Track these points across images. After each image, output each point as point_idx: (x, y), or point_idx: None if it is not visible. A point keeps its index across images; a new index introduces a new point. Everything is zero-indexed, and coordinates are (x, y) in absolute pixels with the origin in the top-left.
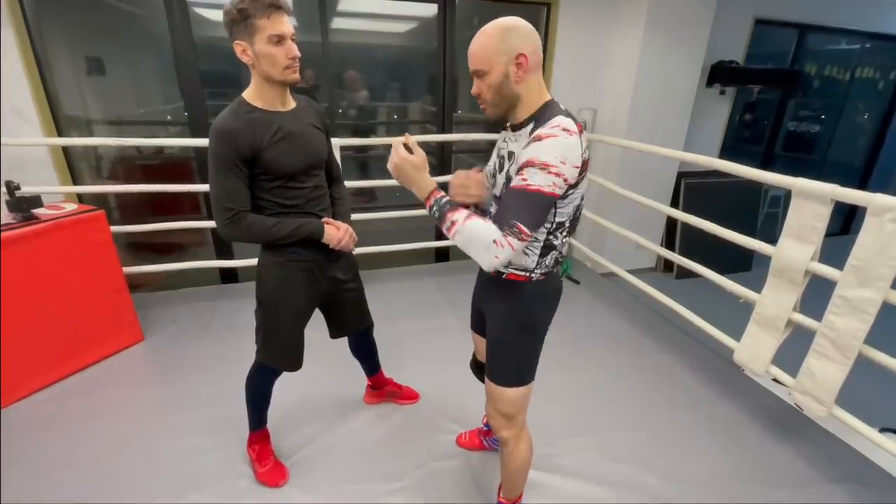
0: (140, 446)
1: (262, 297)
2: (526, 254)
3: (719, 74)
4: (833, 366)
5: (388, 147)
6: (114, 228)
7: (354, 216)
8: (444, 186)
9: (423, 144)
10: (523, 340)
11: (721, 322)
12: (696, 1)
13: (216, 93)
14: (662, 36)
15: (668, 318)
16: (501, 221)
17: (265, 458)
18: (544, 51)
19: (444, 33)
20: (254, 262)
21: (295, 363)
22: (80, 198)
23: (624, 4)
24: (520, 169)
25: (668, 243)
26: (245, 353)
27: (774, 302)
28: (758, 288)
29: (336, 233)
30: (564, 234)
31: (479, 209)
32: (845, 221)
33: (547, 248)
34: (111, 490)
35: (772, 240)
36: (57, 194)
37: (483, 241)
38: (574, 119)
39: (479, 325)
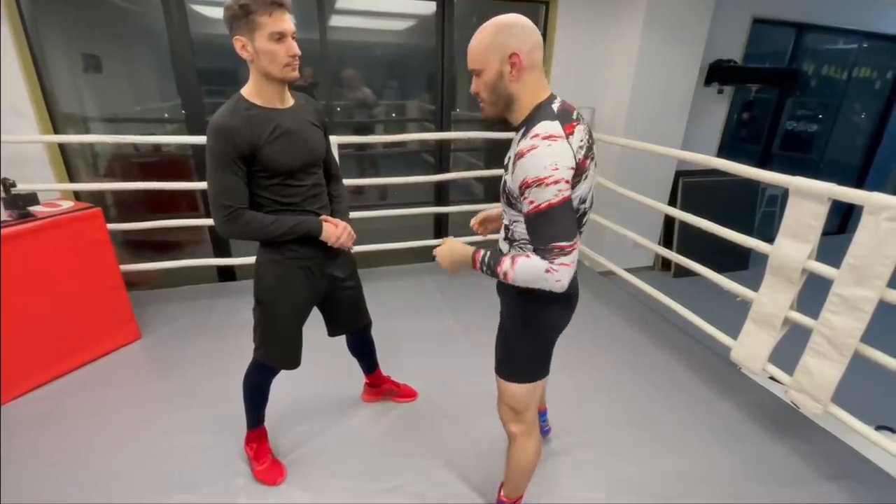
0: (137, 444)
1: (261, 296)
2: (528, 256)
3: (717, 73)
4: (829, 364)
5: (387, 145)
6: (111, 226)
7: (353, 214)
8: (442, 186)
9: (423, 143)
10: (530, 338)
11: (718, 320)
12: (695, 0)
13: (214, 90)
14: (661, 35)
15: (666, 316)
16: (541, 250)
17: (263, 456)
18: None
19: (442, 31)
20: (252, 260)
21: (293, 362)
22: (77, 195)
23: (622, 3)
24: (521, 190)
25: (666, 242)
26: (243, 351)
27: (771, 300)
28: (755, 286)
29: (334, 230)
30: None
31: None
32: (842, 220)
33: None
34: (108, 488)
35: (769, 238)
36: (53, 192)
37: (539, 276)
38: (565, 119)
39: None
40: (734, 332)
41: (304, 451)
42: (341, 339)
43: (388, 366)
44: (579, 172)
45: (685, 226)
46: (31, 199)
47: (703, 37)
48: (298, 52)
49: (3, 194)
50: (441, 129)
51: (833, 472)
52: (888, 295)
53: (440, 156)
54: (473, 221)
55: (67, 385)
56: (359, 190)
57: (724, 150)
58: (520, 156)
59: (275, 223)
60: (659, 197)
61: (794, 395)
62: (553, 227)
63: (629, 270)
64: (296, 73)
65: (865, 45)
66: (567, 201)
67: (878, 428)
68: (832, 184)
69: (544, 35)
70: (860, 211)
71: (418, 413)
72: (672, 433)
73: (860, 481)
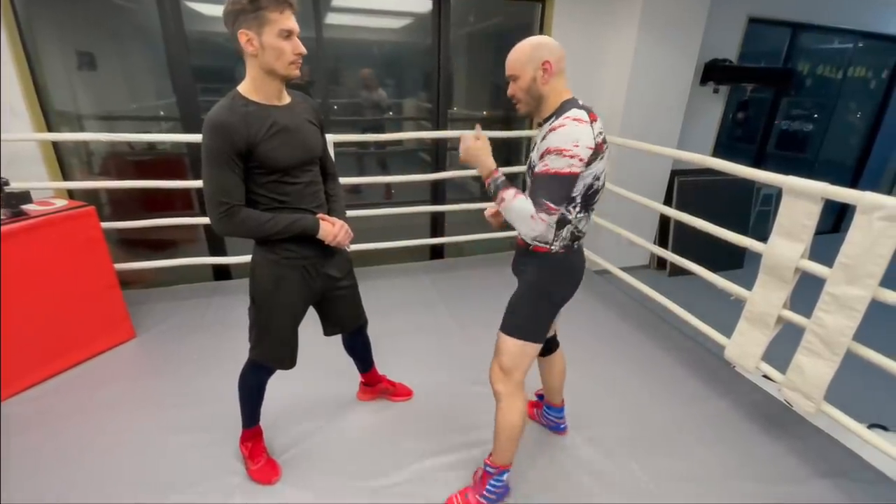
0: (131, 443)
1: (256, 296)
2: (527, 198)
3: (713, 73)
4: (822, 362)
5: (381, 144)
6: (105, 225)
7: (349, 213)
8: (439, 183)
9: (419, 142)
10: (534, 301)
11: (713, 319)
12: None
13: (209, 88)
14: (656, 34)
15: (662, 315)
16: (534, 202)
17: (258, 456)
18: None
19: (438, 29)
20: (247, 258)
21: (289, 362)
22: (71, 194)
23: (618, 3)
24: (542, 156)
25: (662, 241)
26: (238, 350)
27: (765, 299)
28: (750, 285)
29: (331, 229)
30: (578, 209)
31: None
32: (837, 220)
33: (562, 222)
34: (101, 487)
35: (764, 237)
36: (47, 190)
37: (525, 217)
38: (589, 111)
39: None
40: (729, 331)
41: (299, 450)
42: (337, 339)
43: (384, 365)
44: (596, 153)
45: (681, 225)
46: (25, 197)
47: (698, 36)
48: (304, 51)
49: None
50: (438, 127)
51: (826, 469)
52: (880, 294)
53: (437, 154)
54: (488, 212)
55: (61, 385)
56: (355, 189)
57: (720, 150)
58: (552, 130)
59: (271, 220)
60: (655, 196)
61: (788, 394)
62: (552, 189)
63: (625, 269)
64: (298, 72)
65: (860, 45)
66: (573, 176)
67: (871, 426)
68: (825, 183)
69: (541, 34)
70: (854, 210)
71: (414, 412)
72: (666, 431)
73: (853, 479)
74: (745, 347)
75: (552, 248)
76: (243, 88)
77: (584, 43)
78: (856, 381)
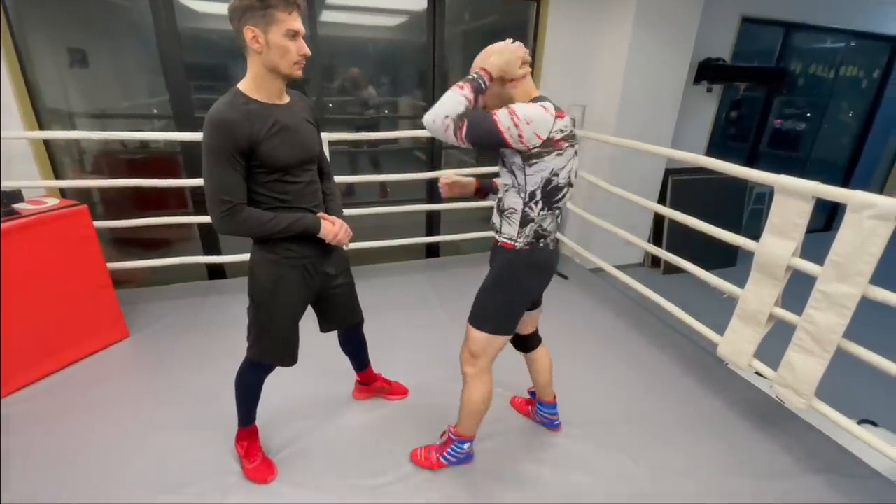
0: (126, 443)
1: (256, 296)
2: (509, 224)
3: (706, 72)
4: (813, 359)
5: (375, 143)
6: (97, 224)
7: (345, 212)
8: (434, 182)
9: (415, 140)
10: (498, 293)
11: (707, 317)
12: None
13: (203, 86)
14: (651, 33)
15: (656, 313)
16: (460, 117)
17: (254, 455)
18: (534, 48)
19: (433, 27)
20: (242, 257)
21: (291, 359)
22: (63, 192)
23: (613, 2)
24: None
25: (656, 239)
26: (233, 349)
27: (756, 297)
28: (742, 283)
29: (332, 227)
30: (540, 206)
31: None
32: (828, 218)
33: (525, 219)
34: (95, 487)
35: (757, 236)
36: (38, 189)
37: (445, 108)
38: (558, 108)
39: None
40: (722, 329)
41: (294, 449)
42: (333, 338)
43: (379, 363)
44: (549, 146)
45: (674, 223)
46: (16, 196)
47: (692, 35)
48: (308, 52)
49: None
50: None
51: (817, 465)
52: (870, 292)
53: (432, 153)
54: (443, 181)
55: (54, 384)
56: (349, 189)
57: (713, 149)
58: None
59: (273, 219)
60: (648, 195)
61: (779, 390)
62: (475, 123)
63: (619, 267)
64: (300, 72)
65: (853, 45)
66: (500, 137)
67: (861, 422)
68: (816, 182)
69: (535, 33)
70: (845, 209)
71: (409, 411)
72: (660, 427)
73: (843, 474)
74: (737, 345)
75: (516, 244)
76: (244, 86)
77: (579, 42)
78: (846, 378)
